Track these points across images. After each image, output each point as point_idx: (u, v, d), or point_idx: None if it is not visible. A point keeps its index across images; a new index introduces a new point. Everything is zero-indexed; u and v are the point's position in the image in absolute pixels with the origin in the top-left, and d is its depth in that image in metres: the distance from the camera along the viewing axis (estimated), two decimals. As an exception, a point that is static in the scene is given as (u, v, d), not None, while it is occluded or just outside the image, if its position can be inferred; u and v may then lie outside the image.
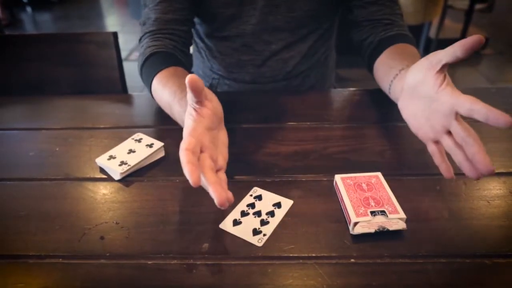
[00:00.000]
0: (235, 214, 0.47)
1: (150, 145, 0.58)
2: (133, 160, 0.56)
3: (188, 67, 0.69)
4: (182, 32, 0.70)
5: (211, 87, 0.89)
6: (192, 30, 0.79)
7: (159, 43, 0.67)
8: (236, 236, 0.45)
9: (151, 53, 0.66)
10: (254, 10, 0.74)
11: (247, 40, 0.78)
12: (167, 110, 0.61)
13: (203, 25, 0.80)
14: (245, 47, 0.80)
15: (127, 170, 0.54)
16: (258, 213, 0.48)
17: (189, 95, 0.43)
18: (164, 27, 0.69)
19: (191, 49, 0.77)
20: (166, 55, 0.66)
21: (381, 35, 0.70)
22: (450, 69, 0.47)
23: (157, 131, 0.66)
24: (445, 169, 0.47)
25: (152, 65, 0.65)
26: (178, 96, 0.55)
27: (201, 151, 0.42)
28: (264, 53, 0.80)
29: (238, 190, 0.52)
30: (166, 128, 0.66)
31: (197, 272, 0.41)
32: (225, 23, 0.76)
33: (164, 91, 0.59)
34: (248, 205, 0.49)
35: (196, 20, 0.79)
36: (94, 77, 0.94)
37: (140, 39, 0.71)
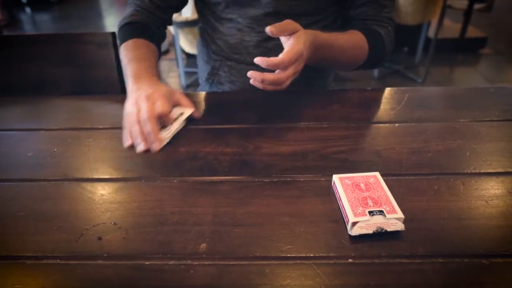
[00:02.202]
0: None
1: (181, 114, 0.66)
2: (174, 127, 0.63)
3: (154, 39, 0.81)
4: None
5: (212, 69, 0.90)
6: (200, 14, 0.89)
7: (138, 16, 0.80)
8: (235, 237, 0.45)
9: (126, 22, 0.78)
10: None
11: (250, 22, 0.80)
12: (123, 65, 0.73)
13: (210, 7, 0.84)
14: (248, 28, 0.81)
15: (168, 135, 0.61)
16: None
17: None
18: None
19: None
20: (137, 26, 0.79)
21: (356, 27, 0.78)
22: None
23: (155, 132, 0.66)
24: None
25: (125, 32, 0.78)
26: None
27: None
28: (265, 35, 0.81)
29: (237, 190, 0.52)
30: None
31: (195, 273, 0.41)
32: (229, 5, 0.80)
33: (125, 57, 0.73)
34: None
35: (202, 2, 0.85)
36: (93, 77, 0.94)
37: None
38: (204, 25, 0.90)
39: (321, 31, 0.74)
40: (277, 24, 0.59)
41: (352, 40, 0.76)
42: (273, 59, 0.56)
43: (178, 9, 0.87)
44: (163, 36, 0.86)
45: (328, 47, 0.70)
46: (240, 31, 0.82)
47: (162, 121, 0.61)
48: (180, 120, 0.65)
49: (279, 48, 0.90)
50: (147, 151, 0.58)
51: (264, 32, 0.81)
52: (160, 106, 0.58)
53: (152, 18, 0.80)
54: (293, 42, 0.59)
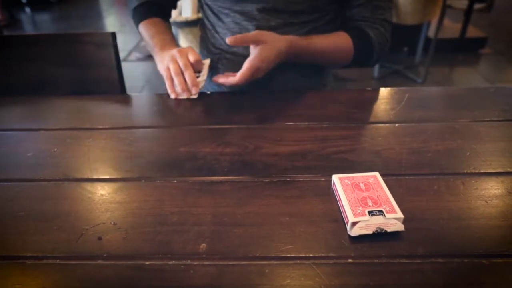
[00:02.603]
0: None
1: (204, 64, 0.79)
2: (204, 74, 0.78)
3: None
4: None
5: (211, 63, 0.91)
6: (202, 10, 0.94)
7: None
8: (235, 237, 0.45)
9: (139, 3, 0.90)
10: None
11: (247, 16, 0.81)
12: (147, 39, 0.87)
13: (208, 2, 0.86)
14: (245, 22, 0.82)
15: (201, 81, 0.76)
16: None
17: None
18: None
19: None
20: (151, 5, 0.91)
21: (345, 28, 0.81)
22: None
23: (156, 132, 0.66)
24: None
25: (140, 12, 0.91)
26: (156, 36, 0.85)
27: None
28: (263, 29, 0.82)
29: (237, 190, 0.52)
30: (165, 128, 0.66)
31: (194, 273, 0.41)
32: (227, 0, 0.82)
33: (148, 32, 0.87)
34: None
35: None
36: (92, 77, 0.94)
37: None
38: (205, 20, 0.91)
39: (304, 34, 0.77)
40: (238, 36, 0.67)
41: (334, 43, 0.79)
42: (230, 81, 0.70)
43: None
44: (170, 16, 0.97)
45: (306, 52, 0.76)
46: (238, 25, 0.83)
47: (197, 68, 0.75)
48: (206, 66, 0.80)
49: None
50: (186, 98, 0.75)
51: (262, 25, 0.82)
52: (193, 56, 0.73)
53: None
54: (252, 59, 0.68)
